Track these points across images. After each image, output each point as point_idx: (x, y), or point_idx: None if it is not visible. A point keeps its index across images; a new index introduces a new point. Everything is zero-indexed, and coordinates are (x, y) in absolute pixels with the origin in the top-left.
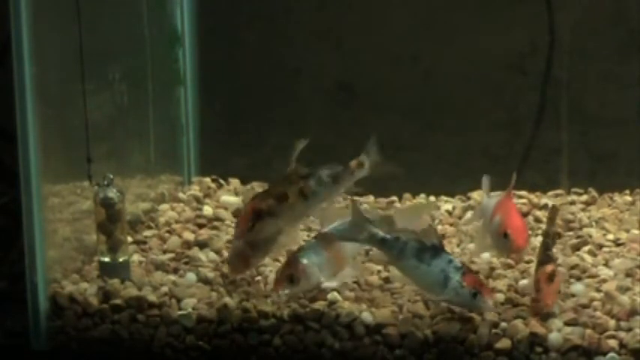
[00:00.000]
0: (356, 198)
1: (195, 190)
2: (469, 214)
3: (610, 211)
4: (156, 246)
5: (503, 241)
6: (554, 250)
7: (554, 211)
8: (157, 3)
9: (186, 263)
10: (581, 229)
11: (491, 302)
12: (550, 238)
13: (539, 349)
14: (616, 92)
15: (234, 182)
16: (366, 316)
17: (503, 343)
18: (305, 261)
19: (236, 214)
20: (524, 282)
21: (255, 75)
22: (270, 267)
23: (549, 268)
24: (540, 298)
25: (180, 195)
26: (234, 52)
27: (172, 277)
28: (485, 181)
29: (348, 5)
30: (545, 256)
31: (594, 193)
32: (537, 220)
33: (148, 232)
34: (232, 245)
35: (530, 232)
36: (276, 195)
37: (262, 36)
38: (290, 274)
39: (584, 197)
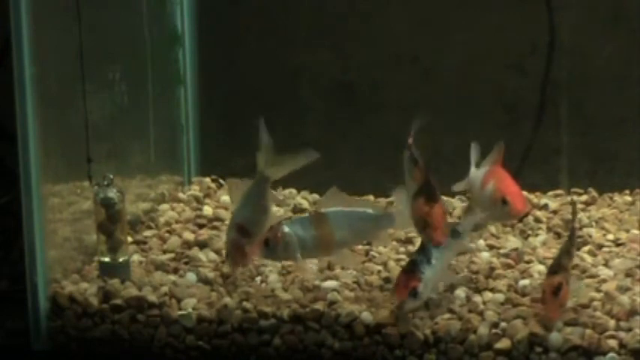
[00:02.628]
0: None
1: (195, 190)
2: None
3: (610, 211)
4: (156, 246)
5: (501, 207)
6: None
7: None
8: (157, 3)
9: (186, 263)
10: (581, 229)
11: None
12: (572, 242)
13: (539, 349)
14: (616, 92)
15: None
16: (366, 316)
17: (503, 343)
18: (286, 229)
19: None
20: (524, 282)
21: (255, 75)
22: (269, 267)
23: (556, 280)
24: (545, 310)
25: (180, 195)
26: (234, 52)
27: (172, 277)
28: (474, 149)
29: (348, 5)
30: (557, 265)
31: (594, 193)
32: (537, 220)
33: (148, 232)
34: (227, 239)
35: (530, 232)
36: None
37: (262, 36)
38: (267, 238)
39: (584, 197)
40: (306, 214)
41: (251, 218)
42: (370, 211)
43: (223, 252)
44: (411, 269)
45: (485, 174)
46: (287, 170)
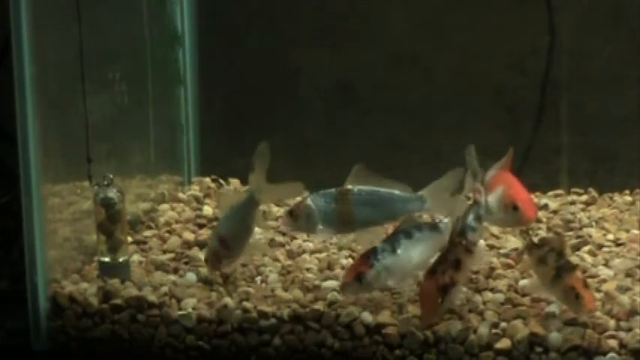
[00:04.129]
0: None
1: (195, 190)
2: None
3: (610, 211)
4: (156, 246)
5: (512, 213)
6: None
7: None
8: (157, 3)
9: (186, 263)
10: (581, 229)
11: None
12: (563, 246)
13: (539, 349)
14: (616, 92)
15: (234, 182)
16: (366, 316)
17: (503, 343)
18: (309, 202)
19: None
20: (524, 282)
21: (255, 75)
22: (270, 267)
23: (580, 274)
24: (582, 304)
25: (180, 195)
26: (234, 52)
27: (172, 277)
28: (470, 150)
29: (348, 5)
30: (567, 262)
31: (594, 193)
32: (537, 220)
33: (148, 232)
34: (208, 245)
35: (530, 232)
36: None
37: (262, 36)
38: (292, 209)
39: (584, 197)
40: (333, 189)
41: (233, 234)
42: (398, 192)
43: None
44: (367, 255)
45: (493, 178)
46: (276, 199)
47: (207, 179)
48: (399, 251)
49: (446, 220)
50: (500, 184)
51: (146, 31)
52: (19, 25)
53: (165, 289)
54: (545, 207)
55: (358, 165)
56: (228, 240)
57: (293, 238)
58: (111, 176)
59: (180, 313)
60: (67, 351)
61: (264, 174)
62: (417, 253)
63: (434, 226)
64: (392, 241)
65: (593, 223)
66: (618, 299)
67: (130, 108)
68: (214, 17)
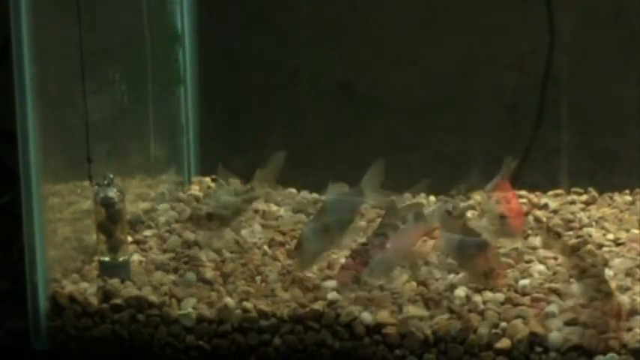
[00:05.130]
0: None
1: (195, 189)
2: (469, 214)
3: (610, 211)
4: (156, 245)
5: (500, 222)
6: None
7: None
8: (157, 3)
9: (186, 263)
10: (581, 228)
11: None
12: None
13: (539, 349)
14: (616, 92)
15: (234, 182)
16: (366, 316)
17: (503, 343)
18: (306, 229)
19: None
20: (524, 282)
21: (255, 75)
22: (270, 267)
23: (618, 303)
24: (617, 334)
25: (181, 195)
26: (234, 52)
27: (172, 277)
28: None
29: (348, 5)
30: (609, 290)
31: (594, 193)
32: (537, 220)
33: (148, 232)
34: (198, 213)
35: (530, 232)
36: None
37: (262, 36)
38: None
39: (584, 197)
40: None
41: (221, 210)
42: (345, 189)
43: (224, 251)
44: (358, 253)
45: (492, 186)
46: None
47: (207, 179)
48: (388, 245)
49: (431, 208)
50: (497, 194)
51: (146, 31)
52: (19, 25)
53: (165, 288)
54: (545, 207)
55: (331, 182)
56: (215, 219)
57: (293, 237)
58: (111, 176)
59: (180, 312)
60: (67, 351)
61: (274, 176)
62: (405, 243)
63: (418, 215)
64: (379, 236)
65: (593, 223)
66: (618, 299)
67: (130, 108)
68: (214, 17)
